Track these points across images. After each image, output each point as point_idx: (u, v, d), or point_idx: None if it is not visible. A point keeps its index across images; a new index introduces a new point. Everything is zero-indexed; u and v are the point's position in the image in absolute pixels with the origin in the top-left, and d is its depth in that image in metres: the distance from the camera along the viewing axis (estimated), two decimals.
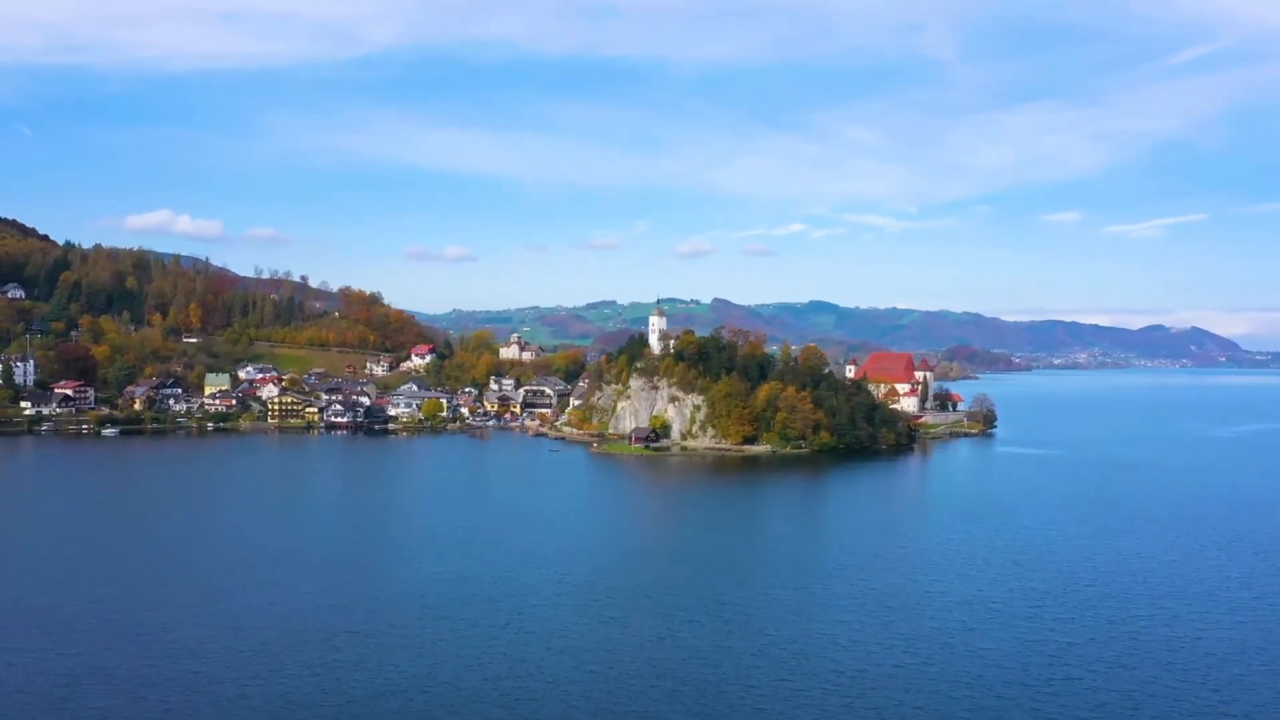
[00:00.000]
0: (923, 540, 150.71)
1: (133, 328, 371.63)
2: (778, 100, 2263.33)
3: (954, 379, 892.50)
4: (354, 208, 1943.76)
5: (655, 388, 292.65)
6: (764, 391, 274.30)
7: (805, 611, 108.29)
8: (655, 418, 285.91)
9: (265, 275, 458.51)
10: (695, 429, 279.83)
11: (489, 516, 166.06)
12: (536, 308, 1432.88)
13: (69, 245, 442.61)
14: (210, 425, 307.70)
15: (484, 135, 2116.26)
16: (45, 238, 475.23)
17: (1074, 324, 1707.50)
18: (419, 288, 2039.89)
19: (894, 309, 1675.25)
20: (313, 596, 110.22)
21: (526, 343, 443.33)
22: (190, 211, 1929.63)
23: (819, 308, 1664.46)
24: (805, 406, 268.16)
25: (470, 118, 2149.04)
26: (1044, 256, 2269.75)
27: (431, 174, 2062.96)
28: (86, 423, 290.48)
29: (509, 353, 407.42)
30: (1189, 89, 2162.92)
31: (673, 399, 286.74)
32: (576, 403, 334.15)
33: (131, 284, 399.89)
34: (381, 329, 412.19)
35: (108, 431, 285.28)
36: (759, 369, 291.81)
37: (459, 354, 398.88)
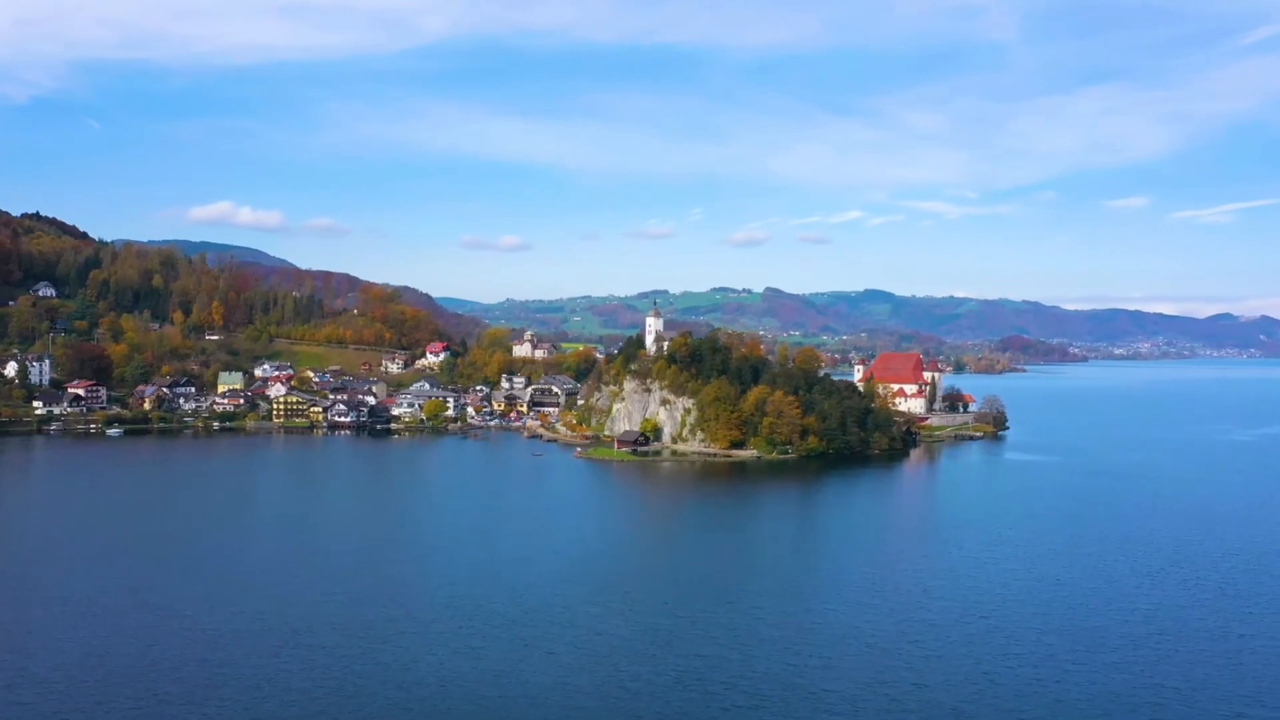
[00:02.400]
0: (845, 563, 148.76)
1: (156, 325, 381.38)
2: (835, 85, 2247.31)
3: (999, 371, 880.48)
4: (410, 198, 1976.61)
5: (648, 390, 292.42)
6: (753, 395, 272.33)
7: (673, 644, 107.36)
8: (647, 420, 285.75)
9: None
10: (685, 432, 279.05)
11: (422, 531, 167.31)
12: (588, 297, 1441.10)
13: (101, 244, 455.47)
14: (216, 425, 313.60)
15: (538, 124, 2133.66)
16: (84, 235, 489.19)
17: (1138, 313, 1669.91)
18: (473, 277, 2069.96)
19: (951, 297, 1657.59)
20: (191, 619, 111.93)
21: (539, 340, 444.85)
22: (251, 203, 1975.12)
23: (874, 296, 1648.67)
24: (792, 411, 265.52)
25: (525, 107, 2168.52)
26: (1109, 243, 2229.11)
27: (487, 163, 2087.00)
28: (94, 422, 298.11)
29: (522, 350, 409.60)
30: (1261, 69, 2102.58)
31: (664, 402, 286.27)
32: (580, 403, 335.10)
33: (158, 282, 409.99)
34: (398, 326, 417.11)
35: (112, 432, 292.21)
36: (753, 372, 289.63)
37: (472, 352, 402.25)
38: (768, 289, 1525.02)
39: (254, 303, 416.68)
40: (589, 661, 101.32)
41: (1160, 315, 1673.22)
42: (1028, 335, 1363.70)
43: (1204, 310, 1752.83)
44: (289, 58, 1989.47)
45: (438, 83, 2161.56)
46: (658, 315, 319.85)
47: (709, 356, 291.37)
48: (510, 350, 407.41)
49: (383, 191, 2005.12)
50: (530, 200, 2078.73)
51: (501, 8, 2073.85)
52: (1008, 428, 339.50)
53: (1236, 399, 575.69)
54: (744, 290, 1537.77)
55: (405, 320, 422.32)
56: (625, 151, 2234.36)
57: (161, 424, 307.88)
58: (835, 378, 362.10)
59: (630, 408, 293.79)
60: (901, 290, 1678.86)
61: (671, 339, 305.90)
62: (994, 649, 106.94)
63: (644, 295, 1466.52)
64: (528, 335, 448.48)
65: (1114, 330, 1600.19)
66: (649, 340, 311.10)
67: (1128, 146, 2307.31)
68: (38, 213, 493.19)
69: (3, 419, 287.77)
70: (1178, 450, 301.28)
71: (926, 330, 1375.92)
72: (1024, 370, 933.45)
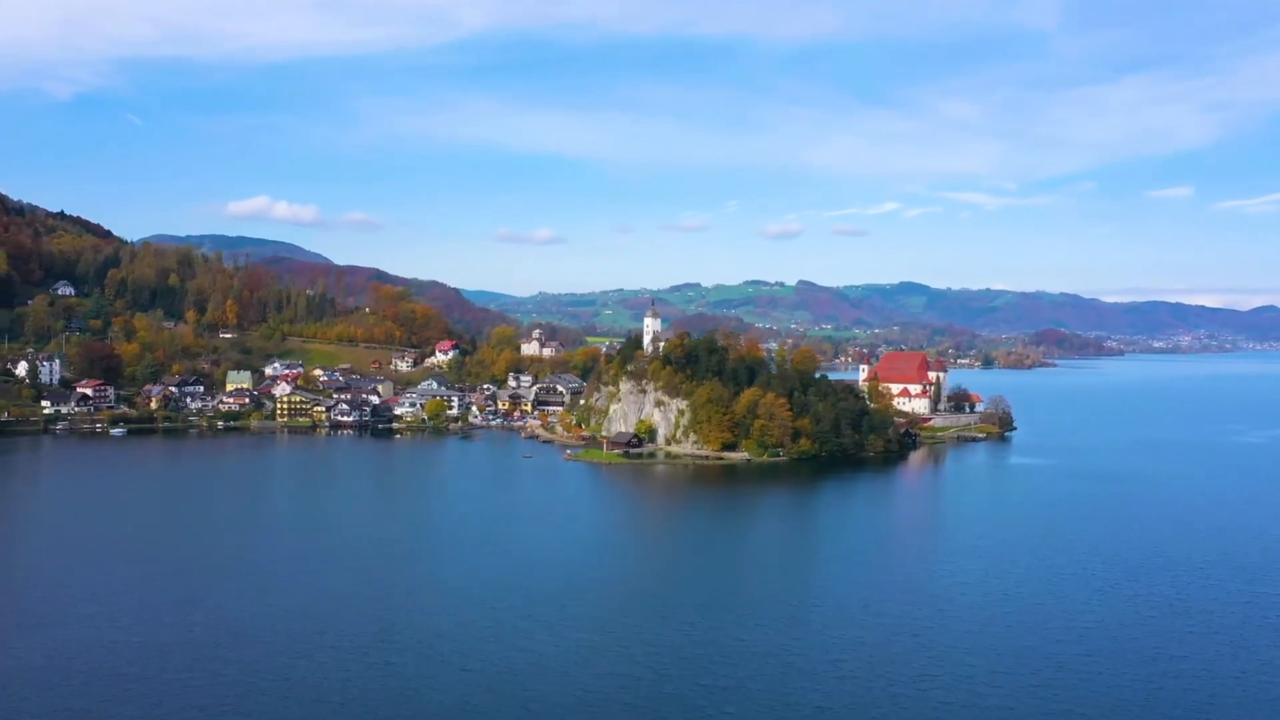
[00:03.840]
0: (795, 575, 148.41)
1: (171, 324, 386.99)
2: (872, 76, 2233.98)
3: (1028, 366, 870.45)
4: (445, 191, 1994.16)
5: (643, 391, 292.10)
6: (746, 397, 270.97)
7: (590, 662, 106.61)
8: (642, 422, 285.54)
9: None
10: (679, 434, 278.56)
11: (378, 540, 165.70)
12: (620, 290, 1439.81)
13: (122, 242, 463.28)
14: (221, 424, 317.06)
15: (574, 117, 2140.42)
16: (108, 234, 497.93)
17: (1179, 305, 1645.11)
18: (506, 271, 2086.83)
19: (988, 290, 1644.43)
20: (124, 630, 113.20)
21: (546, 339, 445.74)
22: (288, 197, 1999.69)
23: (909, 289, 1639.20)
24: (783, 413, 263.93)
25: (560, 100, 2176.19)
26: (1150, 234, 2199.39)
27: (521, 157, 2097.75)
28: (100, 422, 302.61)
29: (530, 349, 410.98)
30: None
31: (659, 403, 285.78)
32: (581, 403, 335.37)
33: (174, 281, 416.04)
34: (408, 325, 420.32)
35: (115, 431, 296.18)
36: (748, 373, 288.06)
37: (481, 350, 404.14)
38: (801, 282, 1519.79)
39: (267, 301, 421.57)
40: (499, 680, 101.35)
41: (1202, 308, 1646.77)
42: (1065, 328, 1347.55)
43: (1248, 302, 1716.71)
44: (326, 53, 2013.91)
45: (473, 76, 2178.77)
46: (655, 316, 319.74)
47: (704, 357, 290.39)
48: (518, 348, 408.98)
49: (417, 185, 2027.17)
50: (564, 193, 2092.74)
51: (537, 1, 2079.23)
52: (1014, 428, 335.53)
53: (1263, 396, 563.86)
54: (777, 283, 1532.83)
55: (415, 319, 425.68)
56: (660, 144, 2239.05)
57: (166, 423, 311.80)
58: (856, 374, 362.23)
59: (626, 409, 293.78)
60: (938, 283, 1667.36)
61: (667, 339, 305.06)
62: (912, 670, 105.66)
63: (676, 288, 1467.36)
64: (535, 333, 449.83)
65: (1154, 323, 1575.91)
66: (646, 340, 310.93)
67: (1171, 136, 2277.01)
68: (62, 211, 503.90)
69: (10, 419, 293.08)
70: (1183, 453, 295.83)
71: (961, 323, 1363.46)
72: (1055, 365, 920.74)
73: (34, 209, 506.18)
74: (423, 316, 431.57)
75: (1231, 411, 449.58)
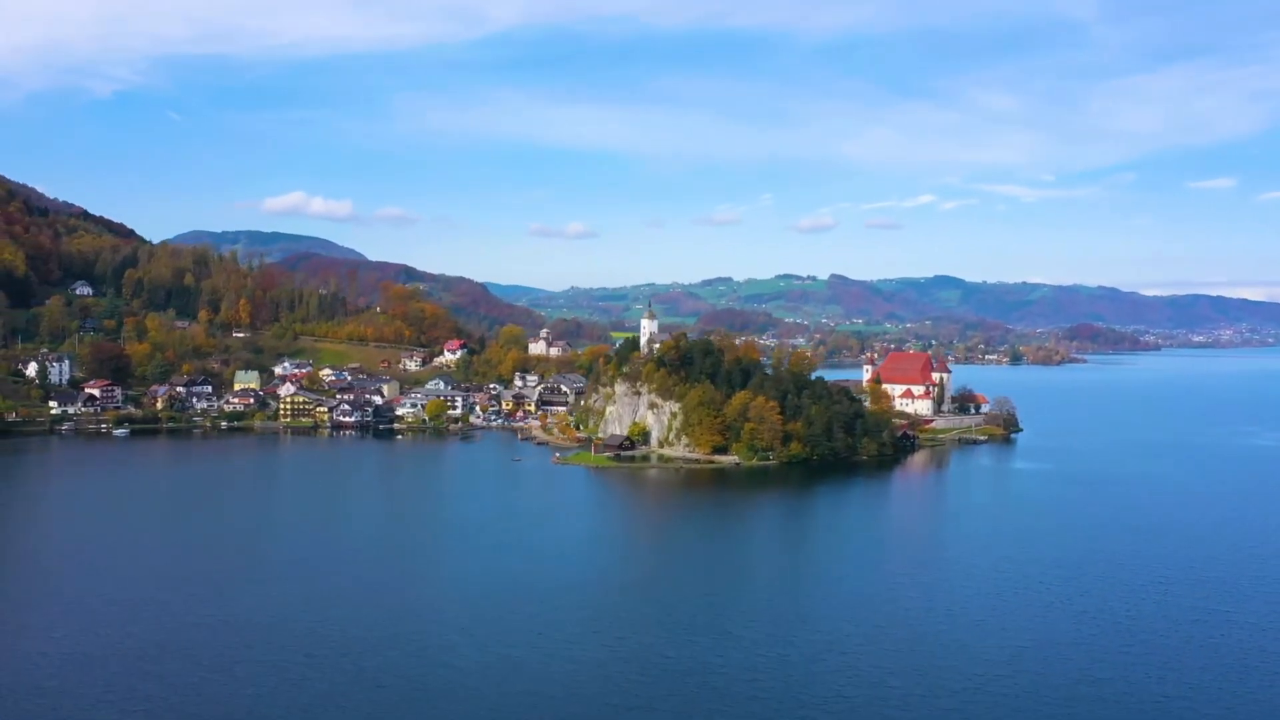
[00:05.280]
0: (742, 587, 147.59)
1: (185, 324, 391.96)
2: (908, 67, 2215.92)
3: (1057, 363, 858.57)
4: (479, 186, 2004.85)
5: (638, 393, 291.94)
6: (737, 400, 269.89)
7: (507, 679, 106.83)
8: (636, 424, 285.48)
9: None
10: (671, 437, 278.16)
11: (334, 549, 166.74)
12: (652, 285, 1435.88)
13: (141, 242, 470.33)
14: (224, 424, 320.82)
15: (607, 111, 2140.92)
16: (131, 233, 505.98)
17: (1220, 298, 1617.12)
18: (539, 265, 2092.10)
19: (1024, 283, 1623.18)
20: (58, 641, 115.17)
21: (560, 336, 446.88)
22: (323, 193, 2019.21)
23: (943, 282, 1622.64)
24: (773, 417, 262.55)
25: (594, 94, 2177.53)
26: (1191, 226, 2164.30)
27: (555, 151, 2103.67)
28: (105, 422, 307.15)
29: (537, 348, 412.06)
30: None
31: (652, 405, 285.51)
32: (581, 404, 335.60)
33: (190, 281, 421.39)
34: (417, 324, 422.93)
35: (118, 432, 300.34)
36: (743, 375, 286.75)
37: (488, 349, 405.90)
38: (833, 276, 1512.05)
39: (280, 300, 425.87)
40: (409, 698, 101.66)
41: (1244, 301, 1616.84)
42: (1102, 322, 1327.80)
43: None
44: (359, 49, 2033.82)
45: (507, 71, 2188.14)
46: (652, 318, 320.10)
47: (699, 360, 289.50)
48: (526, 348, 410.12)
49: (451, 180, 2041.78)
50: (597, 188, 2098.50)
51: None
52: (1020, 429, 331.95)
53: None
54: (809, 277, 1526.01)
55: (424, 318, 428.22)
56: (694, 137, 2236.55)
57: (171, 424, 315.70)
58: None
59: (621, 411, 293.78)
60: (972, 276, 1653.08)
61: (663, 341, 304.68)
62: (828, 691, 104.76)
63: (707, 283, 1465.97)
64: (543, 332, 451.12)
65: (1194, 317, 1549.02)
66: (643, 342, 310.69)
67: (1214, 125, 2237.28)
68: (85, 211, 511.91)
69: (17, 419, 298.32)
70: (1185, 456, 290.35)
71: (995, 317, 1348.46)
72: (1084, 361, 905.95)
73: (68, 206, 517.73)
74: (431, 316, 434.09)
75: (1249, 411, 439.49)
